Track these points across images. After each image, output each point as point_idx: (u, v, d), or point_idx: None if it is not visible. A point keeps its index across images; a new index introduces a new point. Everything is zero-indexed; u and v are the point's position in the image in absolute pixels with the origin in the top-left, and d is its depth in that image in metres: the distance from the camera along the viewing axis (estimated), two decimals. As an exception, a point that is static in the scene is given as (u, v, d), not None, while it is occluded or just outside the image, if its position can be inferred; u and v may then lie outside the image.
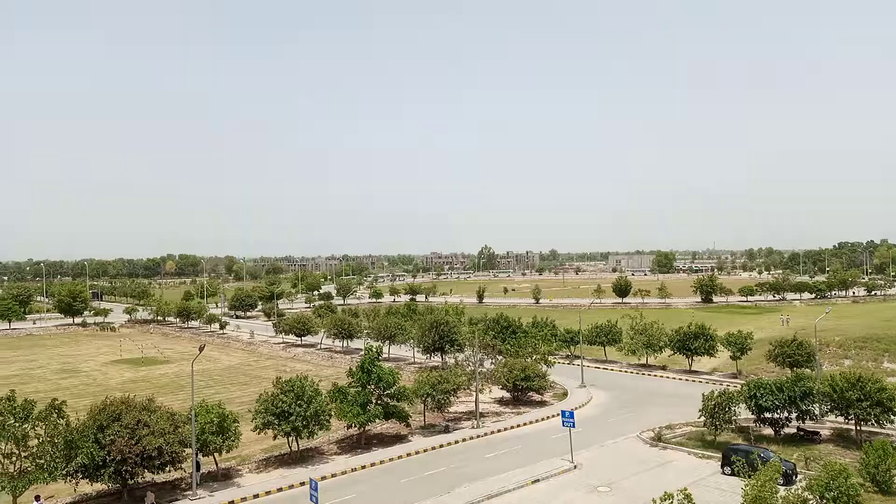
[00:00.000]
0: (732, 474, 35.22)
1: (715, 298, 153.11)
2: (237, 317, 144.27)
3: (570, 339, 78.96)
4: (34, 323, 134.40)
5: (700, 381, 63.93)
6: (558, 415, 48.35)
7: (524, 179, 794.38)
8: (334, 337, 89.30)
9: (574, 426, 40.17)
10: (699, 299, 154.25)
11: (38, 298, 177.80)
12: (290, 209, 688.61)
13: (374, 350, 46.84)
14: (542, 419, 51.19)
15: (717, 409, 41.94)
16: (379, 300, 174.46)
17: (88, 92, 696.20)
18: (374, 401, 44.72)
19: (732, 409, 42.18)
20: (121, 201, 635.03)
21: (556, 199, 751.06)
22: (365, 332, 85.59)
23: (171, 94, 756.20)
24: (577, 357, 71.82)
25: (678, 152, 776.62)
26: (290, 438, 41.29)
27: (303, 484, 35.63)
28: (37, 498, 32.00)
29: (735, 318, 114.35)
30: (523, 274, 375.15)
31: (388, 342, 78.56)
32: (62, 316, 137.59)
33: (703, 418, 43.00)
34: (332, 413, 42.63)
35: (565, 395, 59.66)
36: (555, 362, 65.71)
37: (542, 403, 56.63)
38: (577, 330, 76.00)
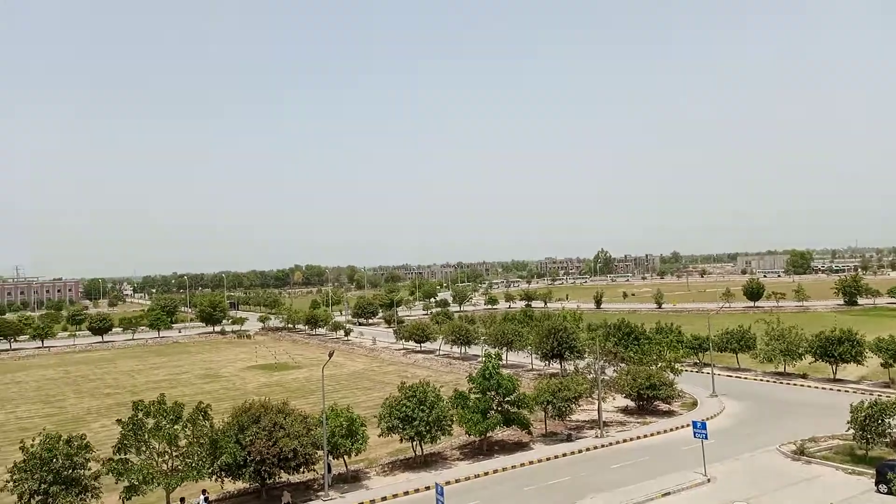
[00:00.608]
0: (889, 493, 32.00)
1: (860, 301, 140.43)
2: (360, 324, 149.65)
3: (699, 345, 75.14)
4: (179, 331, 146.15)
5: (846, 391, 58.78)
6: (688, 425, 46.26)
7: (639, 181, 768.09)
8: (452, 343, 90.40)
9: (706, 437, 38.10)
10: (841, 302, 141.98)
11: (182, 309, 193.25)
12: (401, 216, 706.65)
13: (494, 356, 46.93)
14: (671, 430, 49.01)
15: (868, 420, 38.30)
16: (494, 306, 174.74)
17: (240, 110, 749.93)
18: (494, 407, 44.74)
19: (886, 421, 38.37)
20: (250, 217, 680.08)
21: (674, 200, 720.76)
22: (482, 338, 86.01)
23: (290, 103, 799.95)
24: (707, 365, 68.22)
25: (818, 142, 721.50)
26: (414, 443, 42.17)
27: (428, 488, 36.23)
28: (203, 491, 34.33)
29: (885, 322, 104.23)
30: (643, 278, 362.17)
31: (505, 348, 78.47)
32: (203, 325, 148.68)
33: (851, 431, 39.43)
34: (454, 419, 43.09)
35: (695, 404, 56.81)
36: (682, 370, 62.76)
37: (669, 413, 54.27)
38: (706, 336, 72.23)
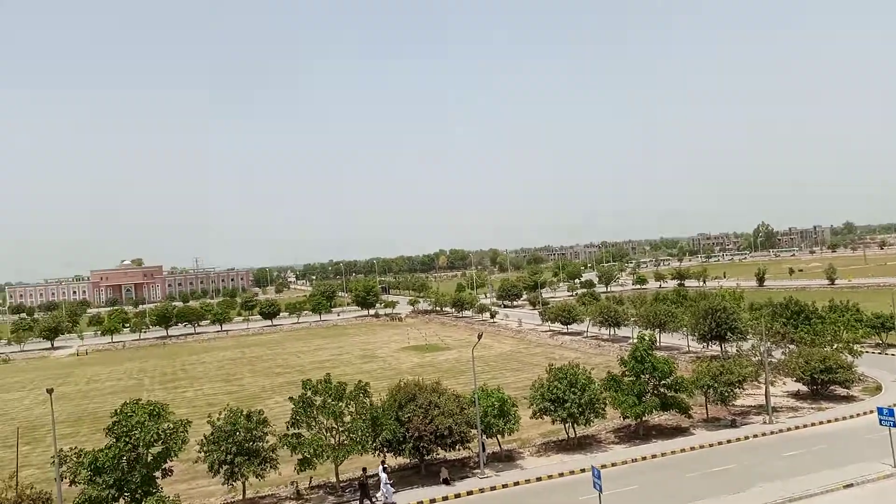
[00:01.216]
0: None
1: None
2: (504, 306, 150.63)
3: (881, 324, 67.62)
4: (338, 315, 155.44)
5: None
6: (871, 412, 42.05)
7: (798, 142, 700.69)
8: (600, 325, 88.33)
9: (895, 425, 34.32)
10: None
11: (340, 294, 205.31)
12: (545, 199, 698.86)
13: (647, 338, 45.26)
14: (850, 416, 44.66)
15: None
16: (643, 286, 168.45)
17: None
18: (650, 391, 43.19)
19: None
20: (397, 203, 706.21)
21: (844, 164, 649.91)
22: (632, 319, 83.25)
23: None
24: (892, 346, 61.32)
25: None
26: (567, 425, 41.83)
27: (583, 471, 35.81)
28: (382, 462, 36.05)
29: None
30: (811, 252, 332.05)
31: (658, 330, 75.35)
32: (359, 308, 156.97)
33: None
34: (607, 402, 42.17)
35: (879, 389, 51.34)
36: (862, 352, 56.87)
37: (848, 399, 49.48)
38: (890, 313, 64.86)
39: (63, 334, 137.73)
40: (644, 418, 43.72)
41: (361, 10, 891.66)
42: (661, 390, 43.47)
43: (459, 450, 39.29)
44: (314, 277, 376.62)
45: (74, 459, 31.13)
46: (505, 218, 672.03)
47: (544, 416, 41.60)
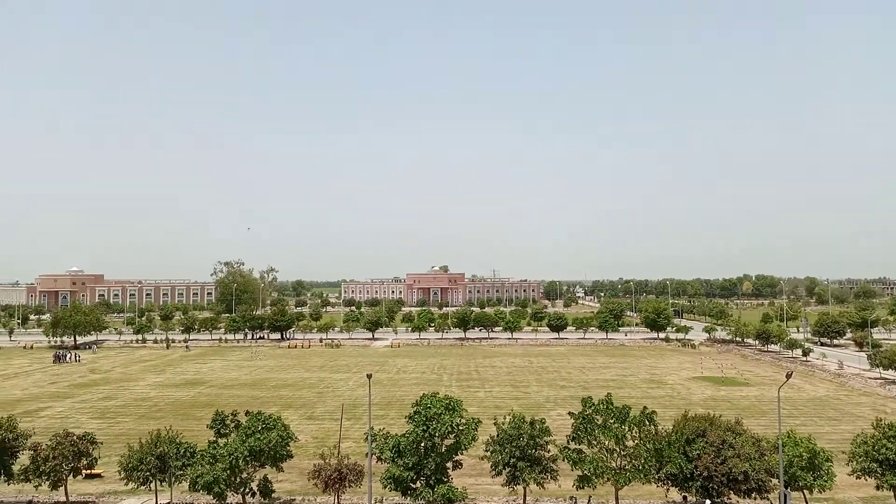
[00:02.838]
0: None
1: None
2: (821, 344, 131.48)
3: None
4: (625, 335, 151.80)
5: None
6: None
7: None
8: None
9: None
10: None
11: (628, 313, 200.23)
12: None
13: None
14: None
15: None
16: None
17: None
18: None
19: None
20: (696, 225, 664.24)
21: None
22: None
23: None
24: None
25: None
26: (898, 494, 34.87)
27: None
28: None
29: None
30: None
31: None
32: (647, 330, 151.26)
33: None
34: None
35: None
36: None
37: None
38: None
39: (381, 327, 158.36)
40: None
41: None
42: None
43: (755, 498, 35.33)
44: (602, 294, 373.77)
45: (382, 440, 35.45)
46: (824, 243, 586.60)
47: (867, 478, 35.25)
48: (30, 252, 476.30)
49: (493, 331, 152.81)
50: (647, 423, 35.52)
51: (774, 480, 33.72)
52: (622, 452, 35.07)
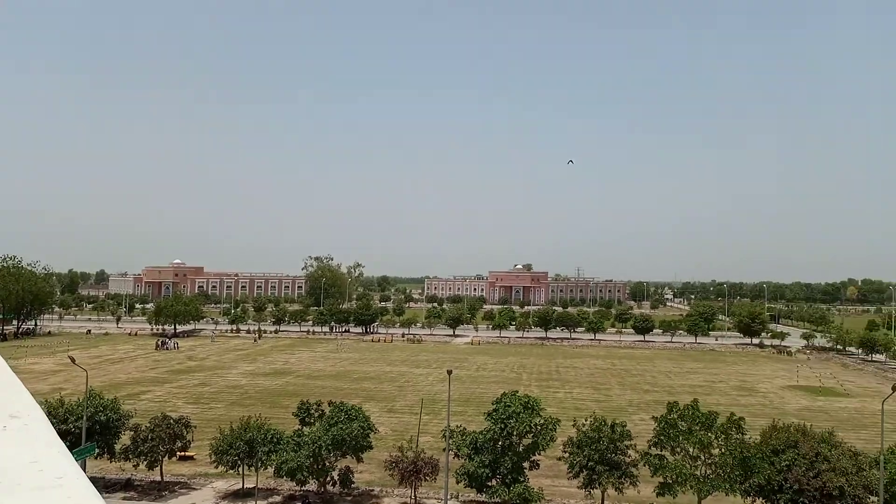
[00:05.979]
0: None
1: None
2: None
3: None
4: (716, 339, 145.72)
5: None
6: None
7: None
8: None
9: None
10: None
11: (720, 317, 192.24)
12: None
13: None
14: None
15: None
16: None
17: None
18: None
19: None
20: (797, 226, 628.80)
21: None
22: None
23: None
24: None
25: None
26: None
27: None
28: None
29: None
30: None
31: None
32: (740, 335, 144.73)
33: None
34: None
35: None
36: None
37: None
38: None
39: (463, 324, 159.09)
40: None
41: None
42: None
43: (853, 517, 33.23)
44: (692, 297, 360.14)
45: (459, 437, 35.79)
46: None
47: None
48: (138, 246, 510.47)
49: (575, 331, 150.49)
50: (735, 431, 34.15)
51: (873, 498, 31.61)
52: (707, 461, 33.91)
